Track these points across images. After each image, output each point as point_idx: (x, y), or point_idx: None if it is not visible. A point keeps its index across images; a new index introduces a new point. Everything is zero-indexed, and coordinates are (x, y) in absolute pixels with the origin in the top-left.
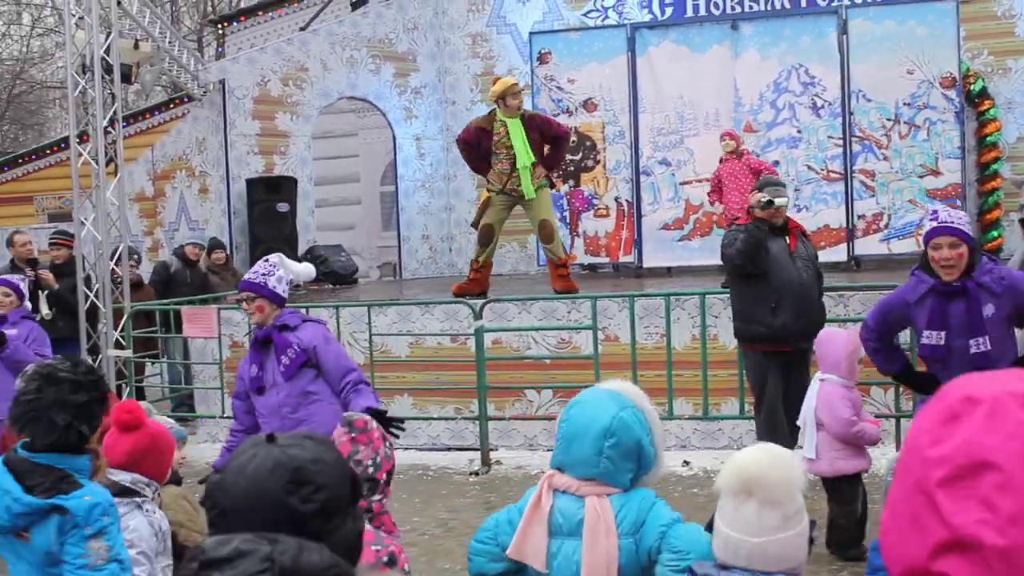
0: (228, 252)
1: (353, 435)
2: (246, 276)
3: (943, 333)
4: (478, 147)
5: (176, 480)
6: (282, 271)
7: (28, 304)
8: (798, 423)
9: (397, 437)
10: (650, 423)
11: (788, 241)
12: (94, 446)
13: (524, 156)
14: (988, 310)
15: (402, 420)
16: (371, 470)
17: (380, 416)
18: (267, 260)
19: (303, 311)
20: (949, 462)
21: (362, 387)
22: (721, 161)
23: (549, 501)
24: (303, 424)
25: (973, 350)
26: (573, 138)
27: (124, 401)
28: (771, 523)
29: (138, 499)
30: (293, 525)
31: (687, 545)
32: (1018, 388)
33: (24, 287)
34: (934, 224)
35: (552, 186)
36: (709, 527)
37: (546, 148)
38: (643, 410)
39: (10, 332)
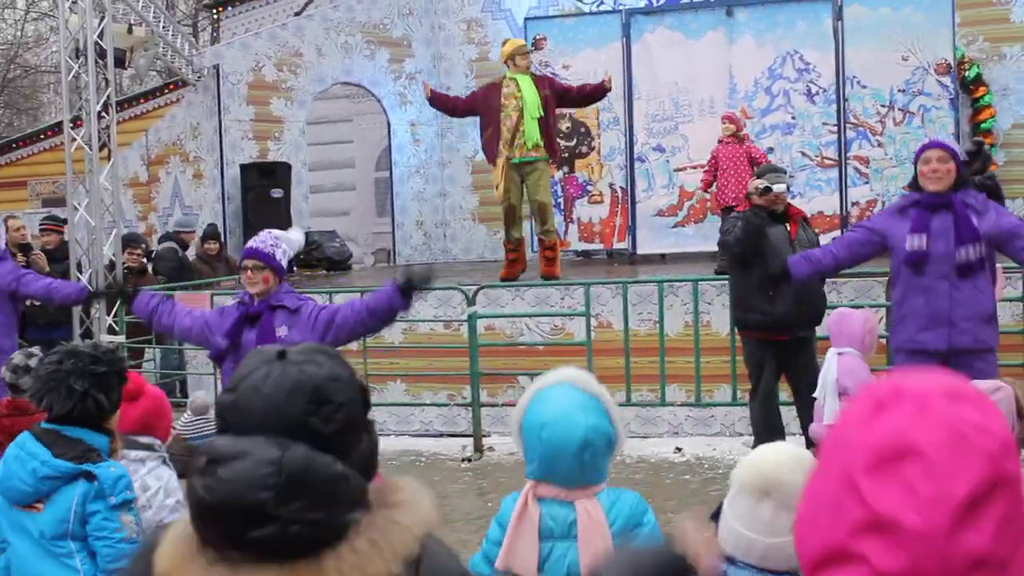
0: (221, 242)
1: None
2: (252, 244)
3: (924, 236)
4: (486, 103)
5: None
6: (285, 244)
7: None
8: (815, 396)
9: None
10: (608, 409)
11: (789, 228)
12: (112, 427)
13: (533, 108)
14: (974, 220)
15: (427, 281)
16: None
17: (410, 287)
18: (271, 232)
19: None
20: (874, 449)
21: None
22: (720, 142)
23: (537, 510)
24: None
25: (960, 258)
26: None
27: None
28: (786, 524)
29: (163, 455)
30: (314, 446)
31: None
32: (946, 385)
33: None
34: (925, 141)
35: (552, 169)
36: (715, 516)
37: (555, 113)
38: (599, 396)
39: None
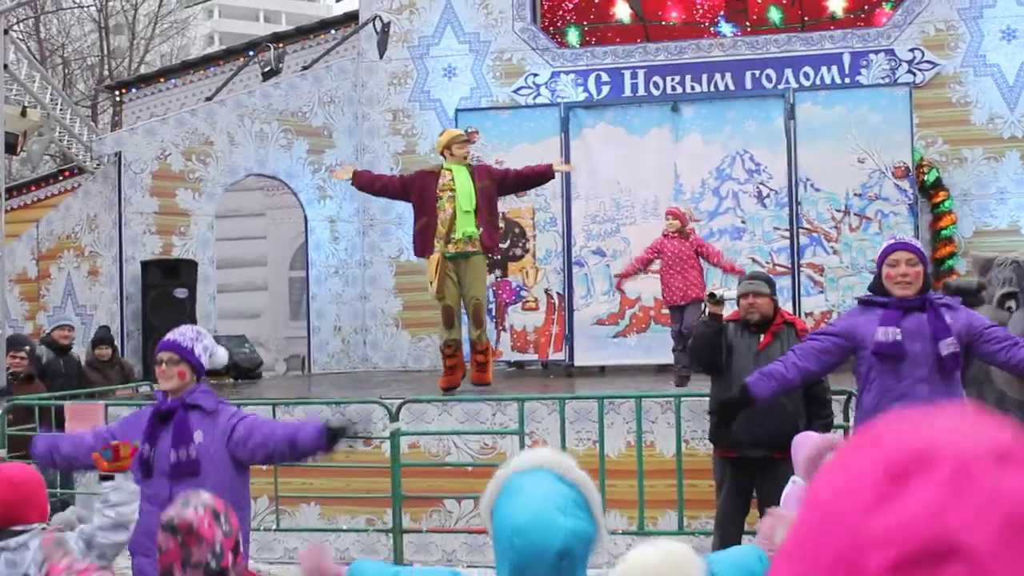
0: (114, 347)
1: (180, 541)
2: (170, 336)
3: (899, 330)
4: (420, 192)
5: None
6: (208, 341)
7: None
8: None
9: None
10: (590, 502)
11: (762, 339)
12: None
13: (465, 200)
14: (948, 318)
15: (358, 432)
16: (215, 564)
17: (338, 432)
18: (193, 327)
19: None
20: (899, 543)
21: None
22: (664, 236)
23: None
24: None
25: (944, 351)
26: (501, 225)
27: None
28: None
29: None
30: None
31: None
32: (988, 439)
33: None
34: (891, 242)
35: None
36: None
37: (495, 204)
38: (580, 486)
39: None
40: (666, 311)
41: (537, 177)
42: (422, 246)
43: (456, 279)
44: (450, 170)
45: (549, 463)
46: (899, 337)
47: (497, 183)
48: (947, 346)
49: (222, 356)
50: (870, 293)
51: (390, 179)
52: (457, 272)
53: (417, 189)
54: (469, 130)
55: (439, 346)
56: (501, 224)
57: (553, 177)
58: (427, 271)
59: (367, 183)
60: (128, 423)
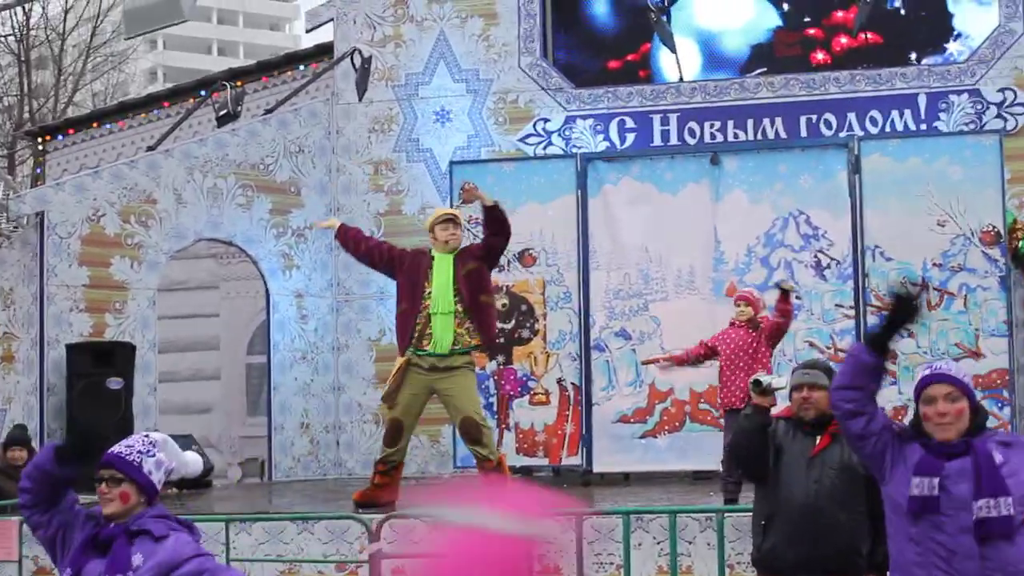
0: (30, 448)
1: None
2: (114, 449)
3: (935, 481)
4: (409, 274)
5: None
6: (163, 454)
7: None
8: None
9: None
10: None
11: (818, 441)
12: None
13: (442, 300)
14: (999, 458)
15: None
16: None
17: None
18: (147, 435)
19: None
20: None
21: None
22: (731, 325)
23: None
24: None
25: (986, 513)
26: (504, 301)
27: None
28: None
29: None
30: None
31: None
32: None
33: None
34: (926, 372)
35: (482, 360)
36: None
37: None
38: None
39: None
40: (717, 412)
41: (490, 223)
42: (401, 342)
43: (424, 395)
44: (435, 258)
45: None
46: (935, 491)
47: (483, 256)
48: (994, 507)
49: (192, 466)
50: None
51: (378, 245)
52: (433, 387)
53: (406, 270)
54: (467, 186)
55: (375, 459)
56: (504, 302)
57: (498, 211)
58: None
59: (353, 242)
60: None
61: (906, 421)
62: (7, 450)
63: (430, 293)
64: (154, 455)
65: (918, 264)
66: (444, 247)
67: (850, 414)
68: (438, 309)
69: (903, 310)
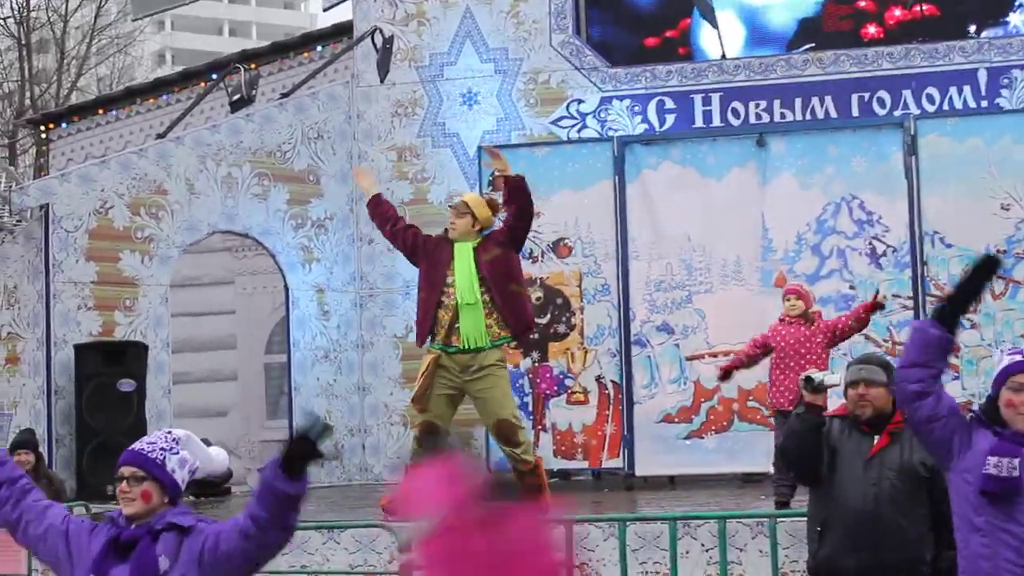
0: (38, 454)
1: None
2: (135, 446)
3: (1016, 461)
4: (430, 260)
5: None
6: (187, 452)
7: None
8: None
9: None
10: None
11: (876, 441)
12: None
13: (466, 291)
14: None
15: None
16: None
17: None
18: (170, 432)
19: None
20: None
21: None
22: (781, 321)
23: None
24: None
25: None
26: (539, 294)
27: None
28: None
29: None
30: None
31: None
32: None
33: None
34: (1016, 359)
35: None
36: None
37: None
38: None
39: None
40: (767, 411)
41: (516, 196)
42: (420, 330)
43: (455, 394)
44: (455, 246)
45: None
46: (1015, 472)
47: (505, 241)
48: None
49: (218, 462)
50: (982, 416)
51: (404, 230)
52: (465, 389)
53: (429, 256)
54: (495, 173)
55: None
56: (538, 295)
57: (519, 182)
58: (420, 367)
59: (381, 218)
60: (92, 528)
61: (970, 417)
62: (13, 454)
63: (453, 282)
64: (178, 452)
65: (980, 251)
66: (466, 235)
67: (916, 395)
68: (464, 300)
69: (986, 267)
